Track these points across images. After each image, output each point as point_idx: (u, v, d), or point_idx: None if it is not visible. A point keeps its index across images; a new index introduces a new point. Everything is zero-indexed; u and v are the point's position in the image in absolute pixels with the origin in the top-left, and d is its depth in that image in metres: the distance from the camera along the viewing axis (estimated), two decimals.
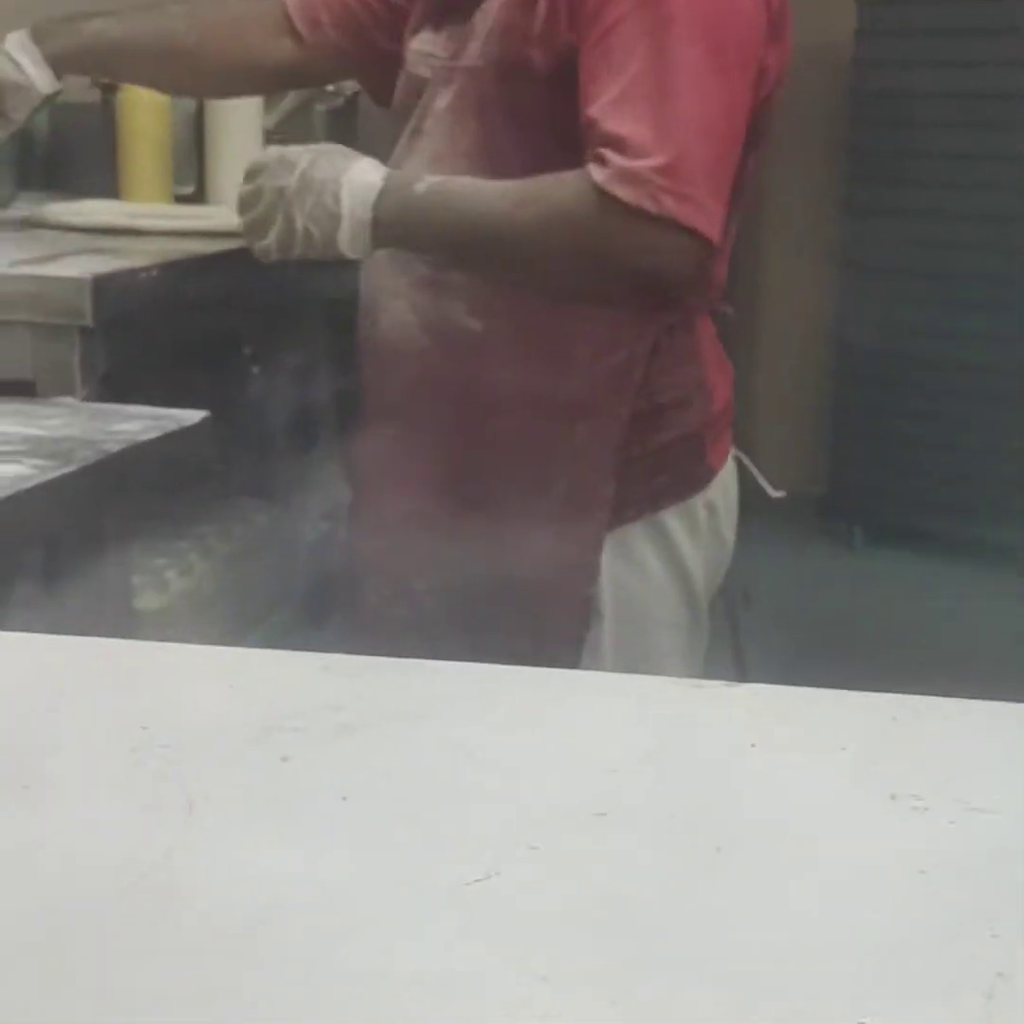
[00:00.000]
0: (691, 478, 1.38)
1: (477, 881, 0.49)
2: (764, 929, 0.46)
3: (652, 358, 1.33)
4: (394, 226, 1.29)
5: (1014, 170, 3.31)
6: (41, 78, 1.54)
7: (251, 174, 1.32)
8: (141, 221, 1.78)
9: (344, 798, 0.54)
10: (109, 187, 2.07)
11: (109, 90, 2.08)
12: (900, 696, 0.64)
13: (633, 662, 1.37)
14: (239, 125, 2.02)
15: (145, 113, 2.01)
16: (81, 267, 1.51)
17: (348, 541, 1.50)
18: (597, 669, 1.35)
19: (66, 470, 1.22)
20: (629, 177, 1.23)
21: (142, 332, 1.59)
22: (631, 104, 1.23)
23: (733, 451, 1.44)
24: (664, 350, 1.34)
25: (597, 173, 1.24)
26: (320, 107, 2.20)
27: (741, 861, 0.50)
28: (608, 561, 1.35)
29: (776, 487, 1.55)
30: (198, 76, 1.62)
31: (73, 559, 1.32)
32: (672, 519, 1.37)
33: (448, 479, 1.38)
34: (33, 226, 1.82)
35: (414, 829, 0.52)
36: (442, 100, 1.36)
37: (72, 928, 0.45)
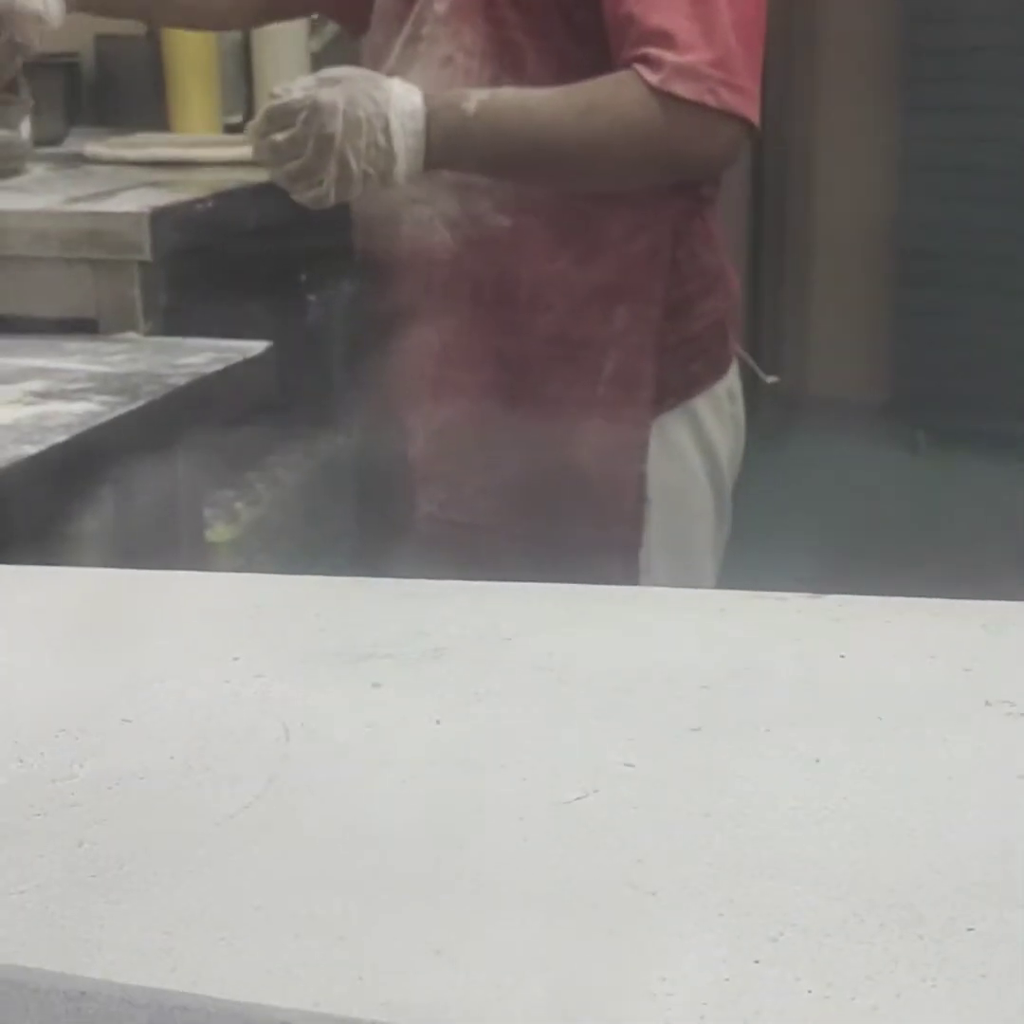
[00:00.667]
0: (718, 365, 1.42)
1: (577, 799, 0.49)
2: (867, 838, 0.46)
3: (676, 244, 1.36)
4: (448, 150, 1.28)
5: None
6: (56, 10, 1.53)
7: (279, 119, 1.26)
8: (194, 152, 1.77)
9: (438, 722, 0.55)
10: (158, 119, 2.07)
11: None
12: (987, 603, 0.64)
13: (676, 552, 1.41)
14: (286, 52, 2.01)
15: (191, 43, 2.00)
16: (138, 201, 1.51)
17: (399, 453, 1.50)
18: (648, 559, 1.38)
19: (134, 406, 1.23)
20: (687, 73, 1.24)
21: (201, 264, 1.59)
22: (663, 2, 1.25)
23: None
24: (685, 236, 1.37)
25: (650, 74, 1.24)
26: None
27: (839, 772, 0.50)
28: (652, 449, 1.38)
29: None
30: (184, 11, 1.63)
31: (144, 493, 1.33)
32: (703, 406, 1.41)
33: (492, 378, 1.39)
34: (86, 162, 1.82)
35: (509, 751, 0.52)
36: (441, 3, 1.34)
37: (183, 858, 0.46)
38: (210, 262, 1.62)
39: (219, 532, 1.69)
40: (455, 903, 0.44)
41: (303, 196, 1.28)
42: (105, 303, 1.48)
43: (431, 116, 1.26)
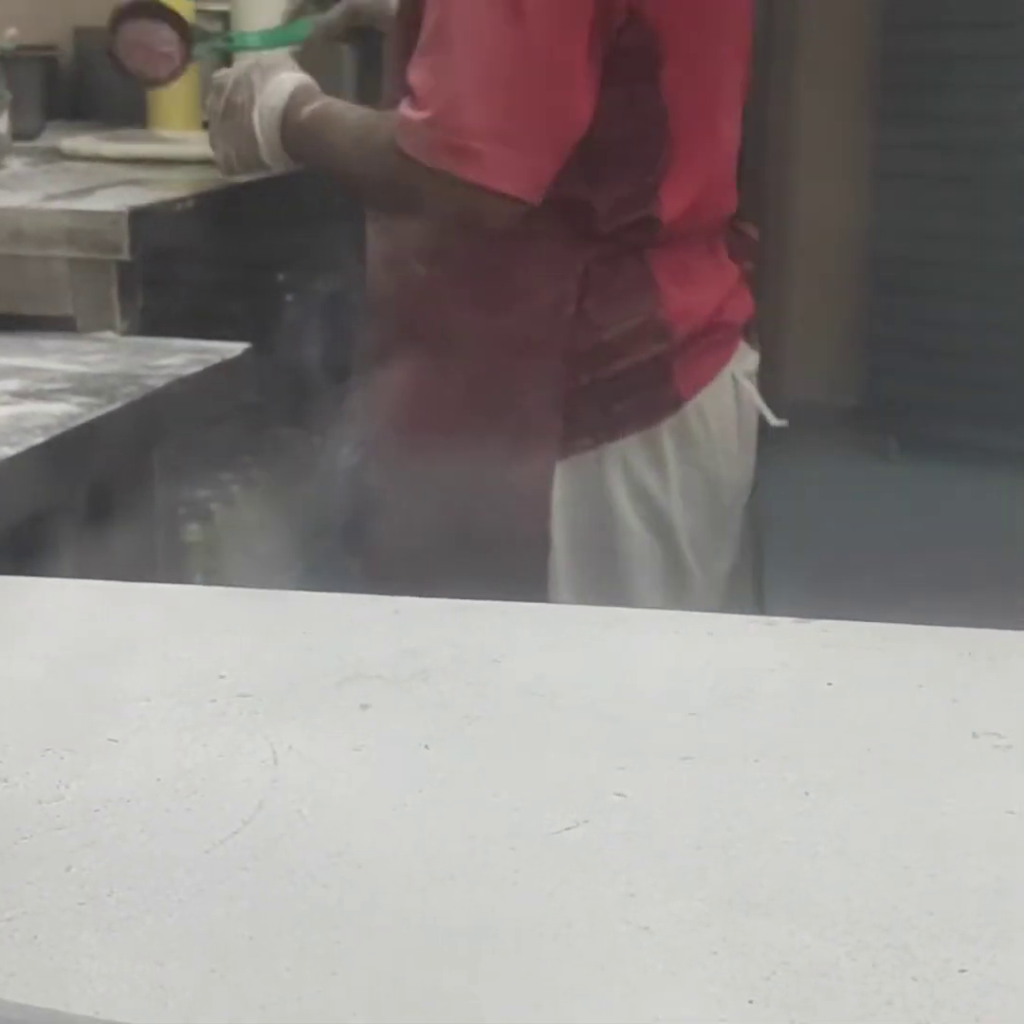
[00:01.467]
0: (653, 406, 1.35)
1: (568, 829, 0.49)
2: (859, 874, 0.46)
3: (584, 295, 1.32)
4: (293, 147, 1.36)
5: None
6: None
7: (211, 95, 1.41)
8: (174, 150, 1.76)
9: (427, 747, 0.55)
10: (137, 114, 2.06)
11: None
12: (972, 631, 0.64)
13: (597, 593, 1.35)
14: (267, 53, 1.99)
15: None
16: (117, 200, 1.50)
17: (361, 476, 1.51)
18: (555, 601, 1.34)
19: (112, 407, 1.23)
20: (407, 128, 1.24)
21: (179, 263, 1.59)
22: (422, 54, 1.24)
23: (732, 372, 1.40)
24: (601, 285, 1.32)
25: (396, 125, 1.26)
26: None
27: (829, 805, 0.50)
28: (561, 491, 1.34)
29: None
30: None
31: (121, 494, 1.33)
32: (634, 448, 1.35)
33: (416, 418, 1.40)
34: (63, 157, 1.81)
35: (500, 778, 0.52)
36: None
37: (173, 886, 0.46)
38: (189, 261, 1.61)
39: (194, 533, 1.68)
40: (447, 937, 0.44)
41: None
42: (83, 302, 1.47)
43: (286, 113, 1.35)
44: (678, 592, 1.40)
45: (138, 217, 1.46)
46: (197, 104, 2.05)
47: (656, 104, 1.29)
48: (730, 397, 1.40)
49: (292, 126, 1.35)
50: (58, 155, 1.81)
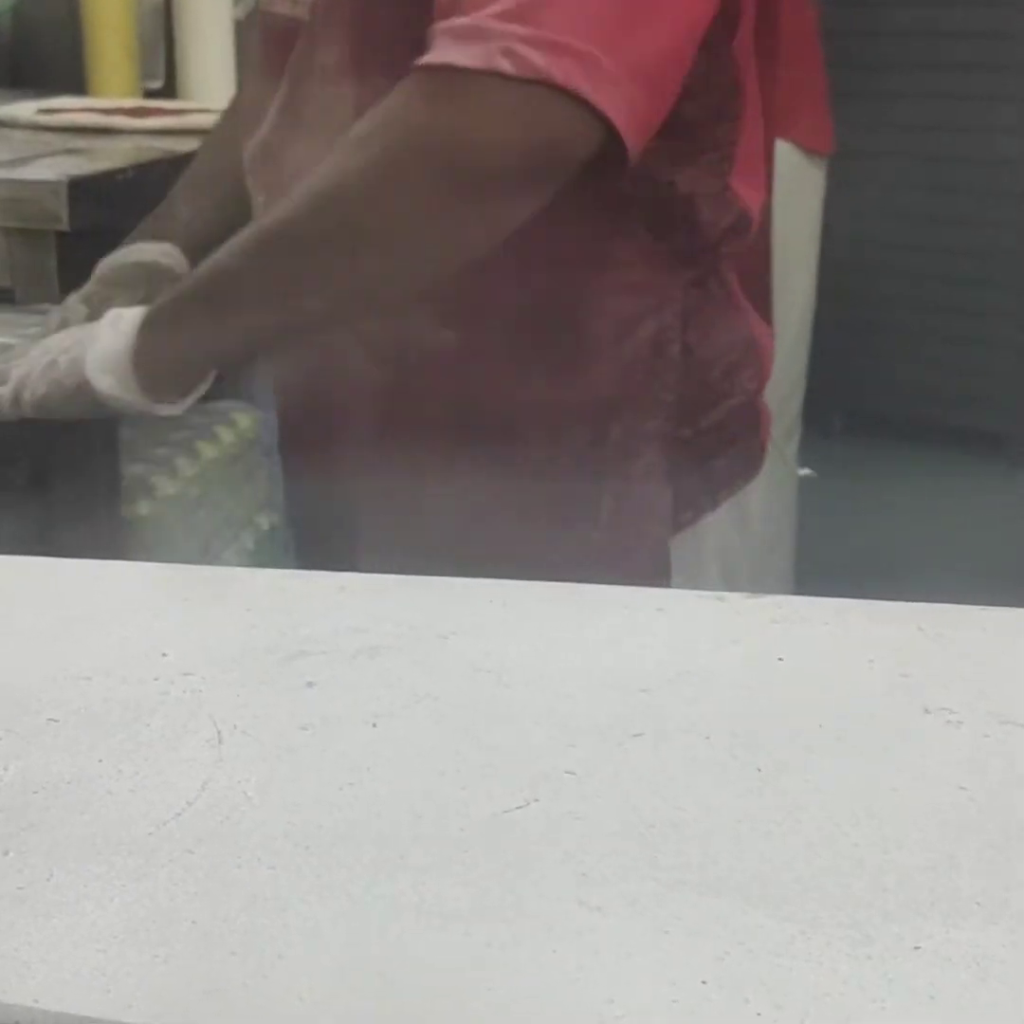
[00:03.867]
0: (748, 458, 1.10)
1: (517, 808, 0.48)
2: (812, 853, 0.46)
3: (687, 325, 1.03)
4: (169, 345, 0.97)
5: (996, 47, 3.26)
6: None
7: None
8: (114, 120, 1.74)
9: (374, 724, 0.54)
10: (76, 83, 2.03)
11: None
12: (922, 605, 0.64)
13: None
14: (209, 16, 1.97)
15: (111, 5, 1.96)
16: (55, 169, 1.48)
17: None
18: None
19: None
20: (467, 35, 0.86)
21: (120, 235, 1.56)
22: None
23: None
24: (697, 311, 1.04)
25: (423, 61, 0.88)
26: None
27: (781, 783, 0.50)
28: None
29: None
30: None
31: (62, 469, 1.31)
32: (724, 515, 1.08)
33: (483, 523, 1.04)
34: (1, 126, 1.78)
35: (448, 756, 0.52)
36: (327, 52, 0.99)
37: (115, 869, 0.45)
38: (128, 233, 1.59)
39: (137, 506, 1.66)
40: (394, 920, 0.43)
41: None
42: (21, 273, 1.45)
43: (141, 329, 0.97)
44: None
45: (77, 186, 1.43)
46: (137, 71, 2.02)
47: (731, 74, 0.99)
48: None
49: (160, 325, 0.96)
50: None
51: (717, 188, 1.02)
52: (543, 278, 1.00)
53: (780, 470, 2.64)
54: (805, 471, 1.22)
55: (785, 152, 2.48)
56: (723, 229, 1.03)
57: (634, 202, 0.99)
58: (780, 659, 0.59)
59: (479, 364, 1.02)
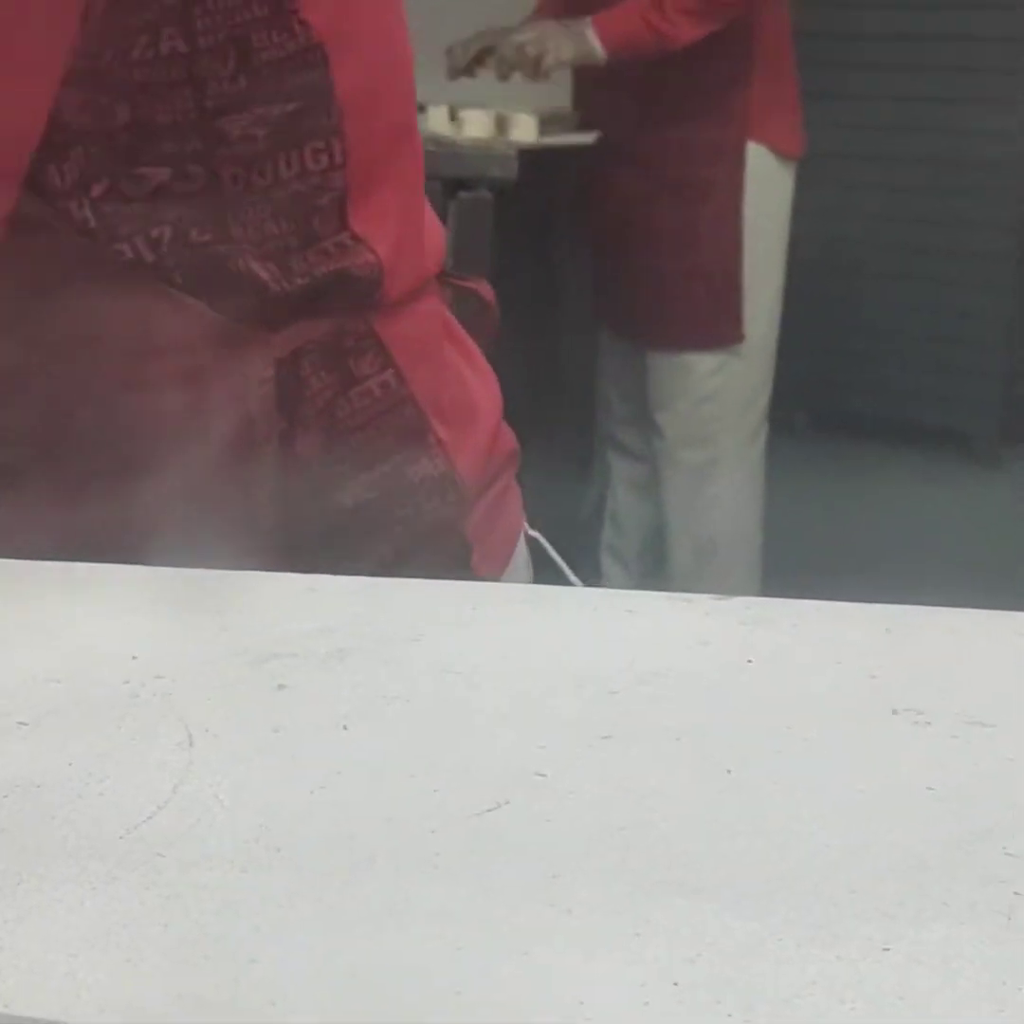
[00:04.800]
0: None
1: (489, 811, 0.48)
2: (781, 855, 0.46)
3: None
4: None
5: (956, 50, 3.29)
6: None
7: None
8: None
9: (345, 727, 0.54)
10: None
11: None
12: (890, 607, 0.65)
13: None
14: None
15: None
16: None
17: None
18: None
19: None
20: None
21: None
22: None
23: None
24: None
25: None
26: None
27: (750, 782, 0.50)
28: None
29: None
30: None
31: None
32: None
33: None
34: None
35: (418, 759, 0.52)
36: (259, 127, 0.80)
37: (86, 874, 0.45)
38: None
39: None
40: (367, 923, 0.43)
41: None
42: None
43: None
44: None
45: None
46: None
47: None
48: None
49: None
50: None
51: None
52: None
53: (743, 471, 2.65)
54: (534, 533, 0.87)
55: (758, 155, 2.49)
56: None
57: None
58: (749, 661, 0.59)
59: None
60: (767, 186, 2.51)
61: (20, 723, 0.54)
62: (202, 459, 0.80)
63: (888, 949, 0.41)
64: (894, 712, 0.55)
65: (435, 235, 0.91)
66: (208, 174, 0.78)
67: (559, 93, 2.62)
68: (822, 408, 3.64)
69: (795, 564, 2.47)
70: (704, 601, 0.65)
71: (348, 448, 0.83)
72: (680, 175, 2.47)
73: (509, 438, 0.93)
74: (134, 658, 0.59)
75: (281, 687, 0.57)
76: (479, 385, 0.93)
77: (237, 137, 0.78)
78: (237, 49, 0.76)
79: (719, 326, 2.54)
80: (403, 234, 0.85)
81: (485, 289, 1.00)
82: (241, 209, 0.79)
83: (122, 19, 0.74)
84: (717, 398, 2.59)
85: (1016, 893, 0.44)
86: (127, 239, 0.78)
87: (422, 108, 2.25)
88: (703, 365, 2.57)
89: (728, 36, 2.39)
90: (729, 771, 0.51)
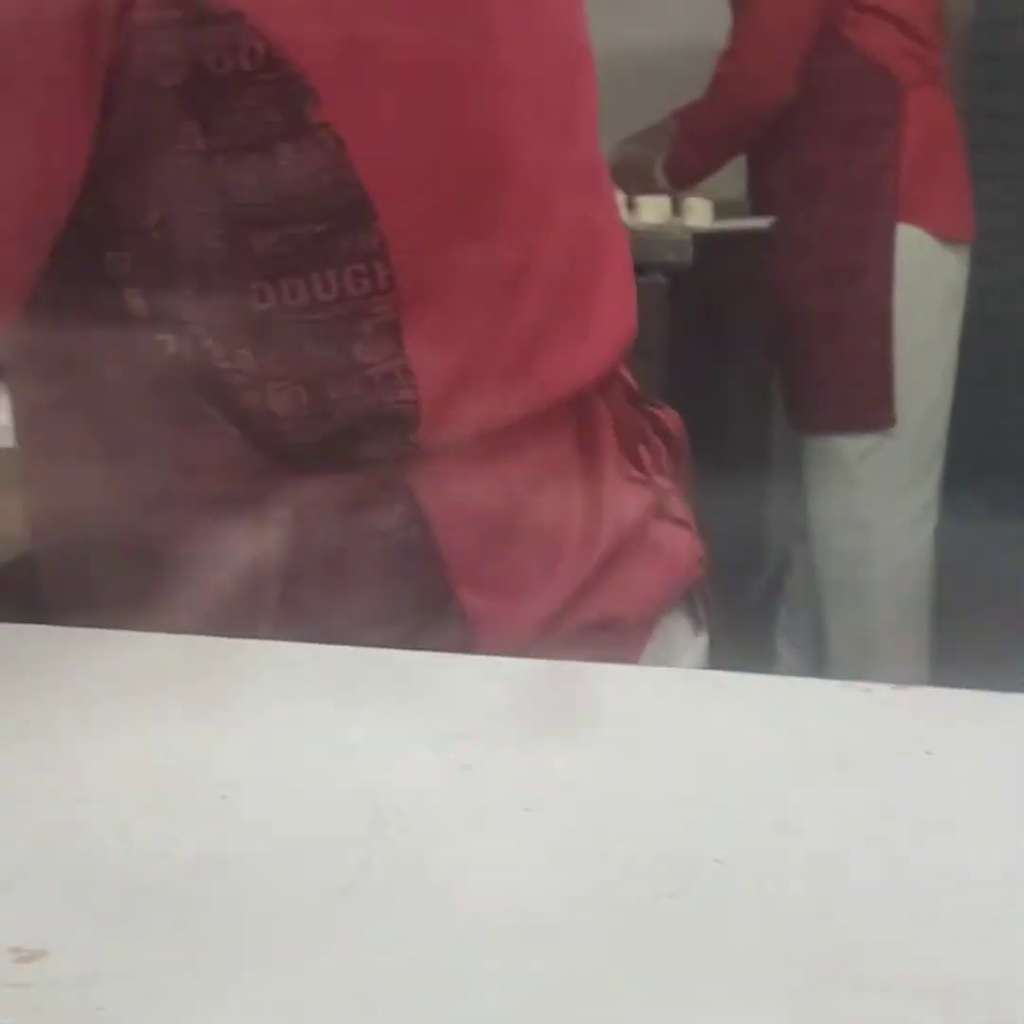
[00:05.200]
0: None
1: (668, 896, 0.49)
2: (958, 947, 0.46)
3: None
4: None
5: None
6: None
7: None
8: None
9: (526, 809, 0.56)
10: None
11: None
12: None
13: None
14: None
15: None
16: None
17: None
18: None
19: None
20: None
21: None
22: None
23: None
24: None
25: None
26: None
27: (928, 875, 0.50)
28: None
29: None
30: None
31: None
32: None
33: None
34: None
35: (595, 842, 0.53)
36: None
37: (284, 938, 0.47)
38: None
39: None
40: (546, 1001, 0.44)
41: None
42: None
43: None
44: None
45: None
46: None
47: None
48: None
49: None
50: None
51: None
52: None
53: (903, 557, 2.61)
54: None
55: (912, 237, 2.48)
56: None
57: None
58: (928, 753, 0.60)
59: None
60: (924, 269, 2.49)
61: (222, 797, 0.56)
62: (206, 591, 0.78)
63: None
64: None
65: (604, 337, 0.86)
66: (233, 288, 0.75)
67: (731, 177, 2.65)
68: (1003, 491, 3.57)
69: (968, 653, 2.42)
70: (881, 690, 0.65)
71: (359, 603, 0.79)
72: (830, 260, 2.48)
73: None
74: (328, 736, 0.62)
75: (465, 768, 0.59)
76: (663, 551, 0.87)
77: (262, 253, 0.74)
78: (258, 156, 0.73)
79: (867, 409, 2.53)
80: (469, 364, 0.79)
81: (671, 418, 0.94)
82: (268, 330, 0.76)
83: (142, 103, 0.72)
84: (869, 483, 2.56)
85: None
86: (172, 332, 0.76)
87: None
88: (852, 448, 2.55)
89: (874, 119, 2.40)
90: (907, 862, 0.51)
